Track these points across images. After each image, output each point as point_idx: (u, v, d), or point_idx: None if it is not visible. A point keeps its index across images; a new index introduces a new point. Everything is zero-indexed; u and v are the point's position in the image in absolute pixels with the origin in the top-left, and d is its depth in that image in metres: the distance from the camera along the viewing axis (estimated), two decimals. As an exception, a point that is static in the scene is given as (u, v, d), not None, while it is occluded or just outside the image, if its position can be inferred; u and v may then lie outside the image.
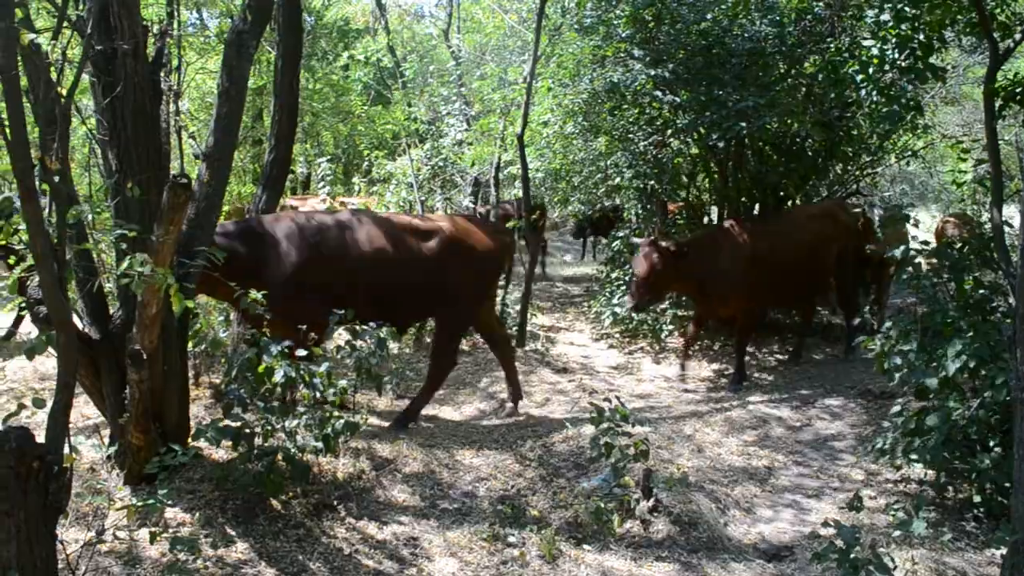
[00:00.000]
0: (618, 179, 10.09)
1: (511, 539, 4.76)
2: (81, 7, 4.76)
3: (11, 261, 5.88)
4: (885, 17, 6.10)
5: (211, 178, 5.44)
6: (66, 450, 3.18)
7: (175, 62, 7.73)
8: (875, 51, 6.19)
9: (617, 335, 9.94)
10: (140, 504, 3.55)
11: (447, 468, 5.61)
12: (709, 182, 10.54)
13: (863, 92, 6.49)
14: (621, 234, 10.46)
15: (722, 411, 7.13)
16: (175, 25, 6.09)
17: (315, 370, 4.98)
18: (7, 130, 2.86)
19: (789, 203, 10.04)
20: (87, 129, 5.35)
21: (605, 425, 5.15)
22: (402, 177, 11.10)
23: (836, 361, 8.73)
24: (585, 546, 4.74)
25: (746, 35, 8.56)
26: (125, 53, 4.69)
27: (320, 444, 4.75)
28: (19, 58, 3.53)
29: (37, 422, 3.78)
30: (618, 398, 5.36)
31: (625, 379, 8.41)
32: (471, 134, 11.85)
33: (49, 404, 3.25)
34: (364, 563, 4.46)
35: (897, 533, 4.50)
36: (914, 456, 5.16)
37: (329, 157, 13.28)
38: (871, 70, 6.27)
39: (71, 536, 4.13)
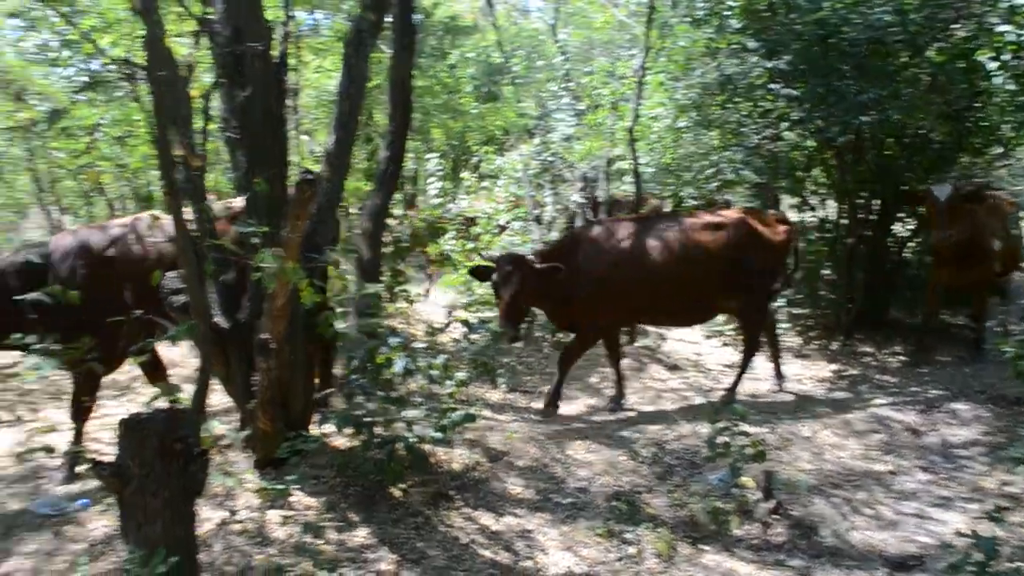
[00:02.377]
0: (730, 174, 9.86)
1: (627, 536, 4.73)
2: (210, 11, 4.96)
3: None
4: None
5: (331, 175, 5.61)
6: (204, 433, 3.33)
7: (294, 62, 7.97)
8: (1011, 36, 5.87)
9: (730, 332, 9.74)
10: (274, 488, 3.69)
11: (560, 463, 5.62)
12: (826, 176, 10.20)
13: (996, 80, 6.17)
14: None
15: (841, 413, 6.90)
16: (292, 26, 6.28)
17: (432, 362, 5.08)
18: (155, 130, 3.01)
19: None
20: (217, 129, 5.57)
21: (722, 424, 5.07)
22: (512, 172, 11.14)
23: (964, 363, 8.31)
24: (702, 546, 4.68)
25: (866, 23, 8.21)
26: (254, 55, 4.87)
27: (438, 434, 4.83)
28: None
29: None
30: (734, 395, 5.25)
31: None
32: (580, 129, 11.79)
33: (187, 390, 3.41)
34: (481, 553, 4.52)
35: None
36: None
37: (439, 154, 13.42)
38: (1005, 57, 5.95)
39: (204, 515, 4.32)
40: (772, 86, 8.50)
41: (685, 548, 4.62)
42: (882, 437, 6.40)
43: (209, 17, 4.87)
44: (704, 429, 5.69)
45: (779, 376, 7.70)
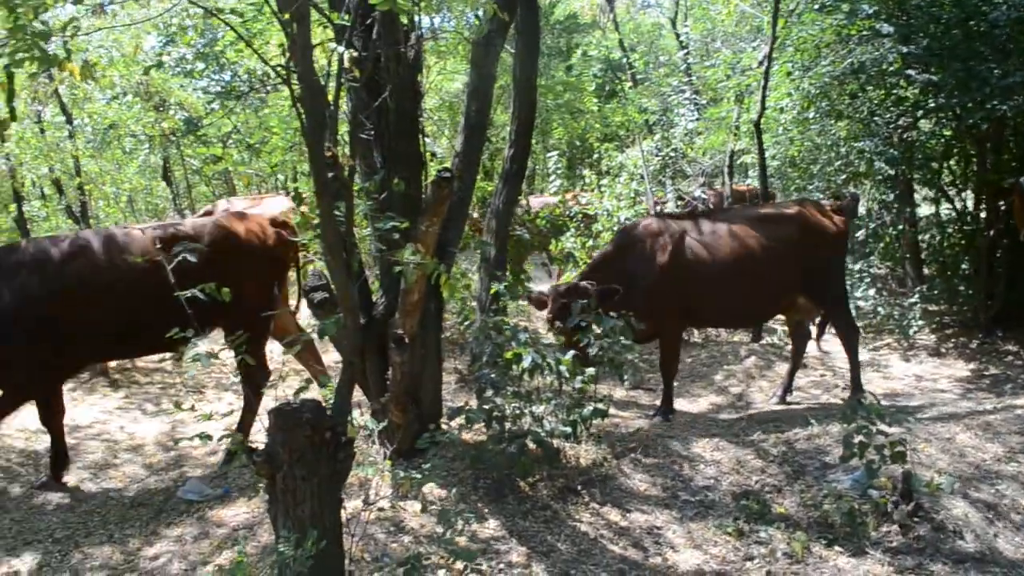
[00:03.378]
0: (861, 165, 9.53)
1: (757, 535, 4.66)
2: (348, 17, 5.15)
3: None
4: None
5: (462, 173, 5.73)
6: (350, 424, 3.47)
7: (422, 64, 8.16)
8: None
9: (861, 330, 9.42)
10: (412, 478, 3.80)
11: (687, 460, 5.57)
12: (963, 166, 9.74)
13: None
14: (865, 223, 9.90)
15: (982, 414, 6.55)
16: (420, 29, 6.44)
17: (561, 358, 5.13)
18: (305, 131, 3.16)
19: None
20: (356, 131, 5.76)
21: (858, 423, 4.91)
22: (633, 169, 11.10)
23: None
24: (836, 547, 4.54)
25: (1010, 3, 7.78)
26: (389, 58, 5.03)
27: (568, 429, 4.87)
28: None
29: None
30: (872, 395, 5.09)
31: (870, 376, 7.95)
32: (702, 123, 11.64)
33: (334, 381, 3.56)
34: (609, 548, 4.53)
35: None
36: None
37: (559, 152, 13.49)
38: None
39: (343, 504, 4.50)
40: (909, 72, 8.17)
41: (818, 549, 4.50)
42: (1028, 439, 6.06)
43: (346, 24, 5.06)
44: (835, 428, 5.53)
45: (788, 390, 7.19)
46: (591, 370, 5.17)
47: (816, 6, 9.02)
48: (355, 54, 4.23)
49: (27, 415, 6.98)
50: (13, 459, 5.97)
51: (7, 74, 3.93)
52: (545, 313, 6.39)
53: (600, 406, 5.14)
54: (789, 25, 9.76)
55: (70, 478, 5.73)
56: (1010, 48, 7.75)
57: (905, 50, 7.93)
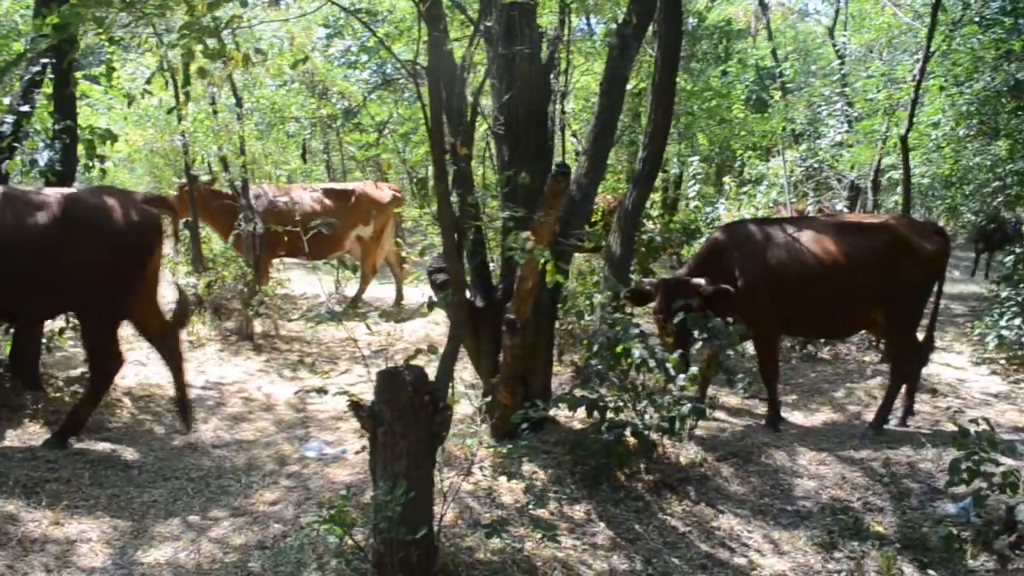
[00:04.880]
0: (1018, 188, 9.09)
1: (847, 550, 4.64)
2: (490, 19, 5.43)
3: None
4: None
5: (588, 170, 5.93)
6: (449, 392, 3.75)
7: (564, 65, 8.37)
8: None
9: (1003, 361, 8.99)
10: (504, 450, 4.04)
11: (789, 471, 5.56)
12: None
13: None
14: (1019, 249, 9.41)
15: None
16: (566, 31, 6.66)
17: (669, 356, 5.25)
18: (428, 122, 3.45)
19: None
20: (486, 125, 6.06)
21: (969, 449, 4.79)
22: (774, 178, 10.96)
23: None
24: (929, 571, 4.48)
25: None
26: (523, 58, 5.29)
27: (665, 424, 4.99)
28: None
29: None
30: (987, 421, 4.95)
31: (1004, 408, 7.59)
32: (851, 136, 11.34)
33: (440, 352, 3.85)
34: (696, 544, 4.63)
35: None
36: None
37: (702, 158, 13.44)
38: None
39: (444, 474, 4.79)
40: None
41: (910, 570, 4.45)
42: None
43: (487, 24, 5.35)
44: (949, 454, 5.38)
45: (909, 413, 6.84)
46: (694, 369, 5.26)
47: (977, 19, 8.67)
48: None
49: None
50: (163, 405, 6.60)
51: (183, 63, 4.44)
52: (653, 306, 6.41)
53: (700, 406, 5.22)
54: (948, 38, 9.40)
55: (208, 428, 6.31)
56: None
57: (1068, 69, 7.54)
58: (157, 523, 4.68)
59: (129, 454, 5.61)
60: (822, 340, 8.90)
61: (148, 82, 5.49)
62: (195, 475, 5.37)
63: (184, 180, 9.89)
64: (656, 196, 13.14)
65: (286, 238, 8.78)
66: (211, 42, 3.53)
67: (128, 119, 9.68)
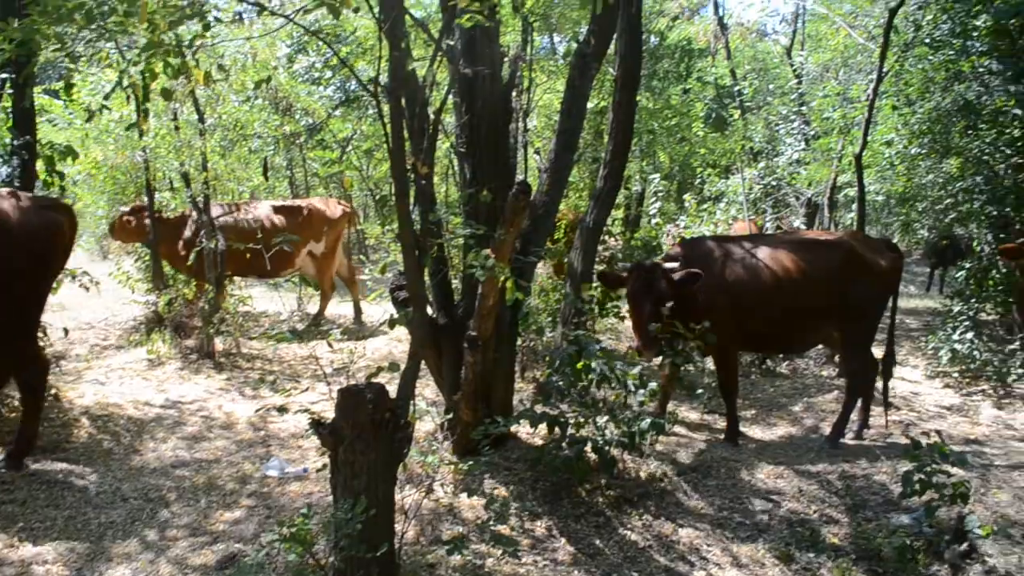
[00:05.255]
0: (969, 205, 9.31)
1: (804, 561, 4.72)
2: (451, 38, 5.49)
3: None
4: None
5: (549, 188, 5.99)
6: (410, 410, 3.77)
7: (526, 83, 8.46)
8: None
9: (955, 374, 9.18)
10: (466, 467, 4.06)
11: (747, 485, 5.65)
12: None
13: None
14: (969, 265, 9.64)
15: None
16: (527, 50, 6.75)
17: (629, 371, 5.31)
18: (389, 140, 3.48)
19: None
20: (448, 144, 6.11)
21: (921, 461, 4.91)
22: (733, 196, 11.14)
23: None
24: (884, 581, 4.57)
25: None
26: (484, 77, 5.35)
27: (625, 439, 5.05)
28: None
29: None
30: (939, 433, 5.07)
31: (957, 420, 7.75)
32: (808, 154, 11.56)
33: (402, 369, 3.87)
34: (656, 558, 4.68)
35: None
36: None
37: (663, 175, 13.62)
38: None
39: (406, 491, 4.80)
40: (1017, 112, 7.99)
41: (865, 581, 4.54)
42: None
43: (449, 43, 5.40)
44: (904, 467, 5.50)
45: (864, 426, 6.95)
46: (654, 384, 5.33)
47: (927, 41, 8.91)
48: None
49: (139, 385, 7.63)
50: (121, 425, 6.52)
51: (144, 81, 4.43)
52: (626, 291, 6.37)
53: (659, 421, 5.28)
54: (900, 59, 9.65)
55: (167, 447, 6.24)
56: None
57: (1012, 89, 7.76)
58: (115, 544, 4.63)
59: (86, 474, 5.54)
60: (780, 355, 9.04)
61: (107, 97, 5.46)
62: (154, 495, 5.31)
63: (127, 208, 9.87)
64: (618, 213, 13.27)
65: (248, 255, 8.74)
66: (174, 60, 3.54)
67: (88, 135, 9.56)
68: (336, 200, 11.71)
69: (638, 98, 9.09)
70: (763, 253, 6.55)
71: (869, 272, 6.57)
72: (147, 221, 9.72)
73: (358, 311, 10.88)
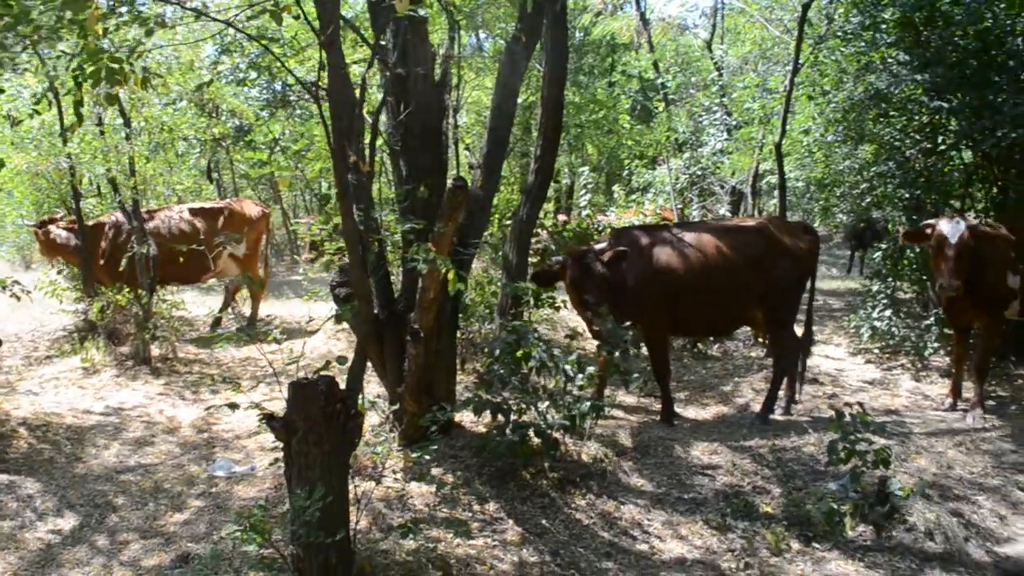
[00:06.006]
0: (883, 189, 9.76)
1: (740, 530, 4.98)
2: (384, 39, 5.59)
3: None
4: None
5: (483, 183, 6.14)
6: (359, 400, 3.88)
7: (456, 80, 8.58)
8: None
9: (876, 351, 9.65)
10: (422, 459, 4.19)
11: (684, 462, 5.90)
12: (984, 193, 9.91)
13: None
14: (884, 246, 10.11)
15: (979, 431, 6.80)
16: (456, 48, 6.86)
17: (568, 358, 5.50)
18: (330, 141, 3.59)
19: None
20: (382, 142, 6.21)
21: (845, 431, 5.21)
22: (660, 186, 11.44)
23: None
24: (814, 544, 4.85)
25: (1028, 33, 7.97)
26: (417, 76, 5.47)
27: (566, 422, 5.24)
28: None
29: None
30: (861, 405, 5.39)
31: (878, 393, 8.18)
32: (731, 144, 11.94)
33: (348, 363, 3.99)
34: (600, 534, 4.89)
35: None
36: None
37: (591, 168, 13.89)
38: None
39: (357, 482, 4.90)
40: (924, 99, 8.41)
41: (796, 544, 4.82)
42: (1018, 457, 6.29)
43: (382, 44, 5.50)
44: (829, 437, 5.82)
45: (792, 402, 7.36)
46: (592, 369, 5.53)
47: (839, 33, 9.31)
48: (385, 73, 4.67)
49: (75, 394, 7.55)
50: (61, 433, 6.47)
51: (76, 85, 4.43)
52: (566, 279, 6.62)
53: (598, 403, 5.49)
54: (815, 51, 10.05)
55: (110, 453, 6.22)
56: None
57: (920, 78, 8.18)
58: (64, 551, 4.64)
59: (30, 484, 5.51)
60: (712, 339, 9.37)
61: (38, 103, 5.41)
62: (100, 501, 5.31)
63: (37, 220, 9.75)
64: (550, 206, 13.48)
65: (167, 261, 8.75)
66: (119, 66, 3.58)
67: (11, 142, 9.37)
68: (253, 201, 11.67)
69: (566, 93, 9.29)
70: (689, 240, 6.81)
71: (788, 254, 6.88)
72: (54, 235, 9.63)
73: (234, 305, 10.95)
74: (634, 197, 11.53)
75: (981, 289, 7.07)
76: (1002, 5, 8.06)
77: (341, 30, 5.35)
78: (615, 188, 12.62)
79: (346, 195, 3.58)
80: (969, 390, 7.67)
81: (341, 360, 3.92)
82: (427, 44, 5.66)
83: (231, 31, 9.24)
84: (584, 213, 11.75)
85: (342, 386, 3.84)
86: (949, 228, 6.81)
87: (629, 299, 6.42)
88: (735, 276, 6.74)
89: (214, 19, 4.02)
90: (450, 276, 4.08)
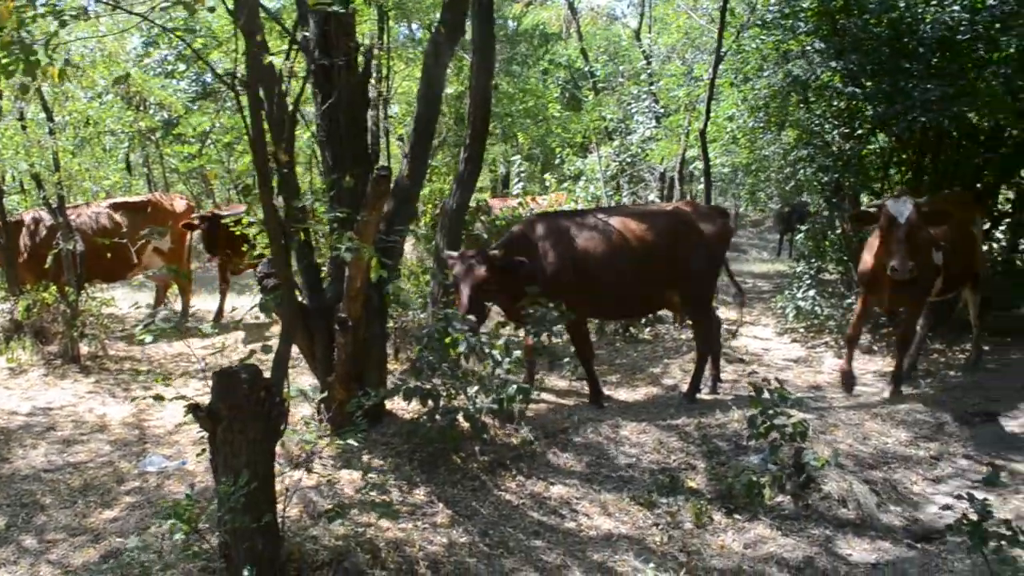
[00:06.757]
0: (804, 173, 10.07)
1: (665, 505, 5.15)
2: (306, 29, 5.61)
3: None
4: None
5: (410, 172, 6.21)
6: (284, 388, 3.93)
7: (385, 71, 8.60)
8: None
9: (802, 330, 9.96)
10: (352, 446, 4.25)
11: (613, 442, 6.05)
12: (901, 175, 10.30)
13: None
14: (804, 228, 10.43)
15: (897, 404, 7.11)
16: (385, 39, 6.90)
17: (495, 343, 5.61)
18: (249, 132, 3.62)
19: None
20: (309, 133, 6.23)
21: (764, 406, 5.41)
22: (591, 174, 11.61)
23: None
24: (735, 515, 5.05)
25: (937, 21, 8.28)
26: (340, 67, 5.50)
27: (495, 406, 5.35)
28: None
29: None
30: (778, 380, 5.59)
31: (802, 371, 8.47)
32: (659, 131, 12.16)
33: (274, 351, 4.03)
34: (529, 514, 5.01)
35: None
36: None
37: (525, 156, 14.01)
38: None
39: (286, 471, 4.94)
40: (839, 86, 8.71)
41: (719, 516, 5.01)
42: (933, 427, 6.59)
43: (305, 34, 5.52)
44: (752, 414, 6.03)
45: (718, 381, 7.60)
46: (518, 353, 5.64)
47: (760, 22, 9.57)
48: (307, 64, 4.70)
49: (3, 395, 7.41)
50: (-14, 434, 6.36)
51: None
52: (452, 273, 6.58)
53: (526, 386, 5.61)
54: (738, 40, 10.30)
55: (38, 453, 6.14)
56: (936, 65, 8.30)
57: (835, 65, 8.46)
58: (-10, 551, 4.59)
59: (-48, 485, 5.42)
60: (643, 321, 9.57)
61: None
62: (27, 500, 5.24)
63: None
64: (485, 195, 13.57)
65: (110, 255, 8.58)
66: (34, 58, 3.55)
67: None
68: (178, 195, 11.53)
69: (498, 82, 9.38)
70: (604, 225, 6.94)
71: (702, 237, 7.07)
72: None
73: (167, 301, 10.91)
74: (566, 184, 11.65)
75: None
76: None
77: (265, 20, 5.37)
78: (546, 176, 12.75)
79: (266, 185, 3.62)
80: (880, 363, 7.99)
81: (266, 349, 3.96)
82: (352, 35, 5.69)
83: (156, 22, 9.15)
84: (518, 202, 11.84)
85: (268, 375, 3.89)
86: (896, 208, 6.65)
87: (545, 285, 6.52)
88: (649, 259, 6.88)
89: (129, 12, 4.00)
90: (373, 263, 4.14)
